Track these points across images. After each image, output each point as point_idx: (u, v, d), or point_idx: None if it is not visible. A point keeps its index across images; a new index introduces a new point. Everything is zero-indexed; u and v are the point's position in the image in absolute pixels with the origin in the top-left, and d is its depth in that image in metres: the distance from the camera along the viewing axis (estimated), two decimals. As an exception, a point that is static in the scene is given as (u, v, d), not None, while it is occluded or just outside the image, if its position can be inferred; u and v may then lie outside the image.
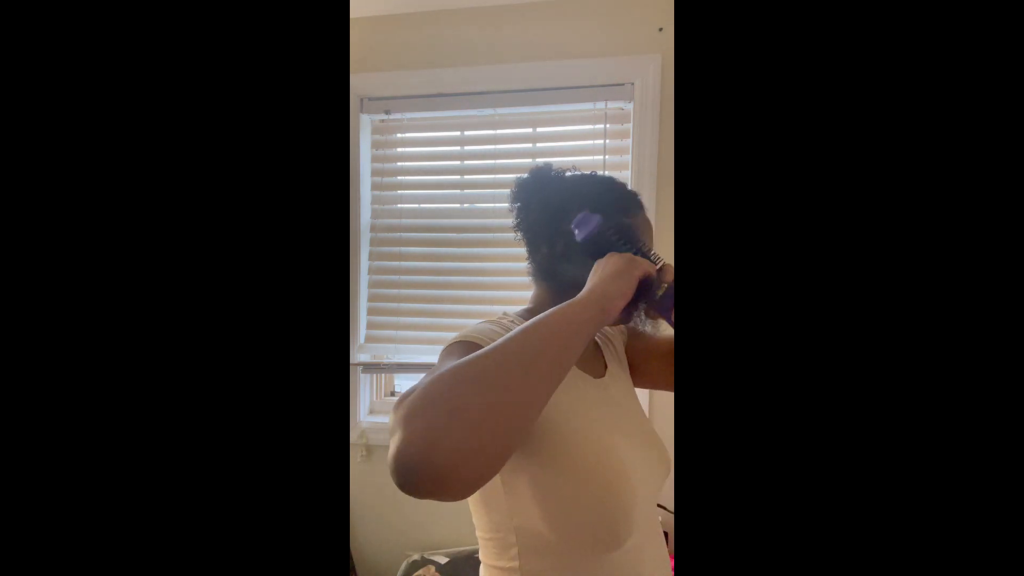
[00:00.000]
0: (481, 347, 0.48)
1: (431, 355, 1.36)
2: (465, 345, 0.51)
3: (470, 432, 0.33)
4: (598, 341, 0.68)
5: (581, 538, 0.50)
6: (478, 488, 0.34)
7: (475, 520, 0.57)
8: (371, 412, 1.44)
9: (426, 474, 0.32)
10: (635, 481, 0.51)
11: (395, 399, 1.61)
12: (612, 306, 0.45)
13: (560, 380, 0.39)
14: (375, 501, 1.38)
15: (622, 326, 0.71)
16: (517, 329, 0.40)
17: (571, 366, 0.40)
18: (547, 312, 0.42)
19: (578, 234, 0.55)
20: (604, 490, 0.49)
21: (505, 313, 0.63)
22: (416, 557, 1.28)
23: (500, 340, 0.39)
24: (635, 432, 0.58)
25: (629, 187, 0.63)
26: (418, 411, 0.33)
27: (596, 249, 0.54)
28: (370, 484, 1.38)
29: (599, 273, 0.49)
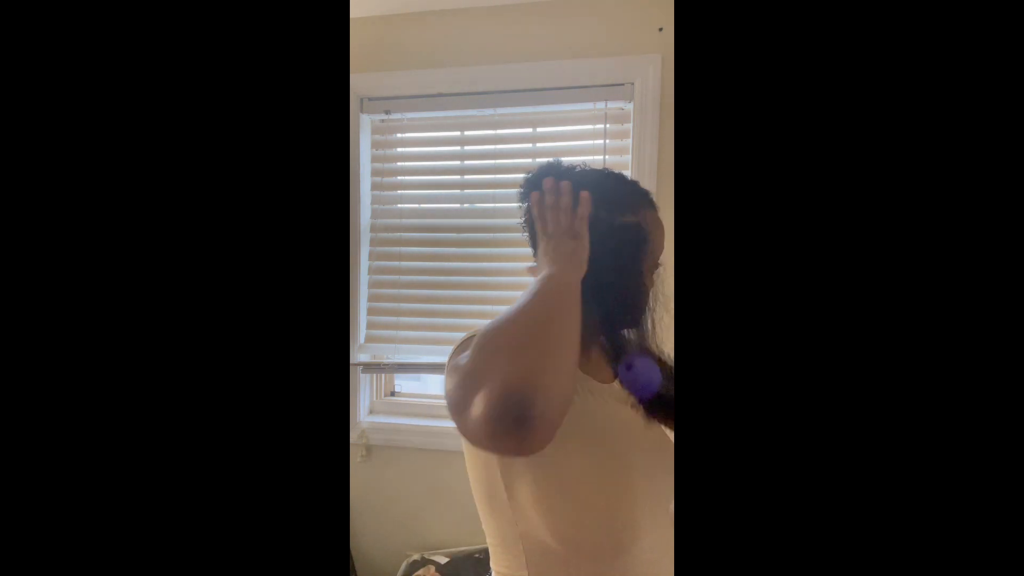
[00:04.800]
0: None
1: (431, 355, 1.36)
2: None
3: (556, 376, 0.39)
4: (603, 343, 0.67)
5: (584, 545, 0.49)
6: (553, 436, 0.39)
7: (484, 527, 0.56)
8: (371, 412, 1.43)
9: (531, 413, 0.36)
10: (640, 487, 0.50)
11: (393, 398, 1.58)
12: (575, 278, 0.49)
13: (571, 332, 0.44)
14: (375, 501, 1.38)
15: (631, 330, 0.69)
16: (531, 295, 0.45)
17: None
18: (540, 286, 0.46)
19: (639, 390, 0.54)
20: (604, 497, 0.49)
21: None
22: (416, 557, 1.28)
23: (526, 300, 0.44)
24: (643, 436, 0.57)
25: (641, 184, 0.61)
26: (507, 352, 0.39)
27: (601, 254, 0.54)
28: (370, 484, 1.38)
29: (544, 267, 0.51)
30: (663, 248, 0.60)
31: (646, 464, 0.53)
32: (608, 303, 0.56)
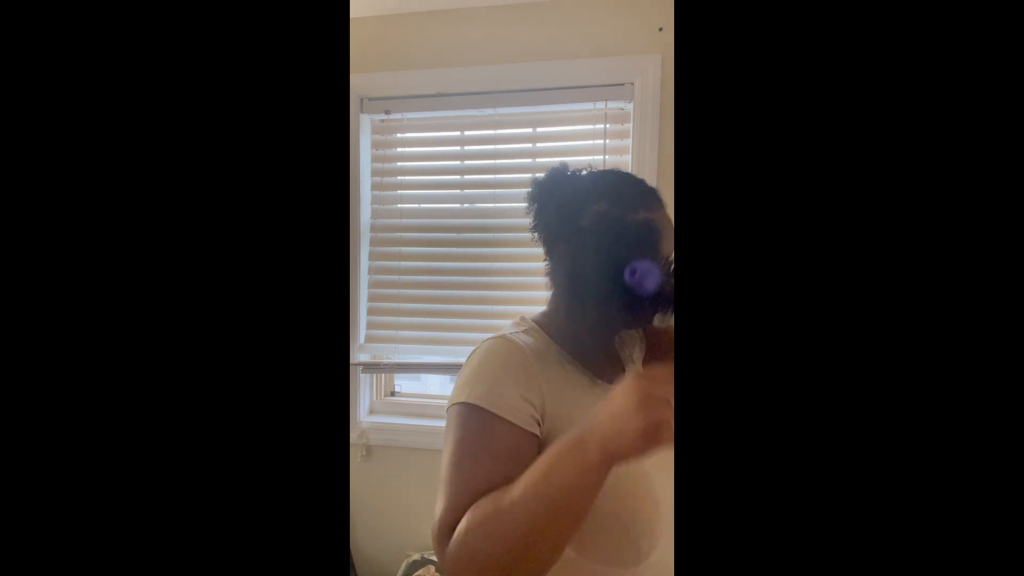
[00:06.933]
0: (500, 417, 0.49)
1: (431, 355, 1.36)
2: (481, 413, 0.50)
3: None
4: (614, 344, 0.66)
5: (602, 555, 0.48)
6: None
7: None
8: (371, 412, 1.44)
9: None
10: (657, 493, 0.50)
11: (393, 398, 1.56)
12: (620, 455, 0.42)
13: (583, 517, 0.43)
14: (375, 501, 1.38)
15: (640, 331, 0.68)
16: (533, 476, 0.43)
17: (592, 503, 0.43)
18: (554, 459, 0.43)
19: (637, 287, 0.51)
20: (624, 506, 0.48)
21: (523, 318, 0.61)
22: (416, 557, 1.28)
23: (521, 490, 0.43)
24: None
25: (648, 183, 0.61)
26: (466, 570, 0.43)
27: (614, 251, 0.53)
28: (370, 484, 1.38)
29: (609, 411, 0.43)
30: (672, 246, 0.60)
31: (660, 464, 0.53)
32: (620, 302, 0.55)
